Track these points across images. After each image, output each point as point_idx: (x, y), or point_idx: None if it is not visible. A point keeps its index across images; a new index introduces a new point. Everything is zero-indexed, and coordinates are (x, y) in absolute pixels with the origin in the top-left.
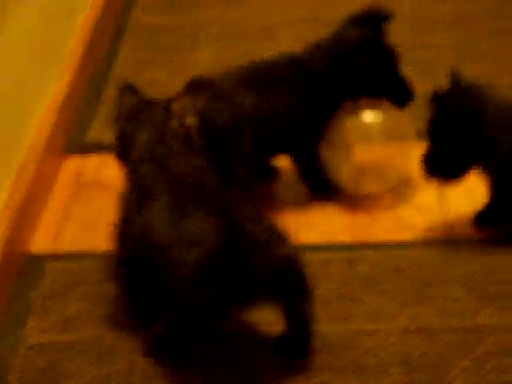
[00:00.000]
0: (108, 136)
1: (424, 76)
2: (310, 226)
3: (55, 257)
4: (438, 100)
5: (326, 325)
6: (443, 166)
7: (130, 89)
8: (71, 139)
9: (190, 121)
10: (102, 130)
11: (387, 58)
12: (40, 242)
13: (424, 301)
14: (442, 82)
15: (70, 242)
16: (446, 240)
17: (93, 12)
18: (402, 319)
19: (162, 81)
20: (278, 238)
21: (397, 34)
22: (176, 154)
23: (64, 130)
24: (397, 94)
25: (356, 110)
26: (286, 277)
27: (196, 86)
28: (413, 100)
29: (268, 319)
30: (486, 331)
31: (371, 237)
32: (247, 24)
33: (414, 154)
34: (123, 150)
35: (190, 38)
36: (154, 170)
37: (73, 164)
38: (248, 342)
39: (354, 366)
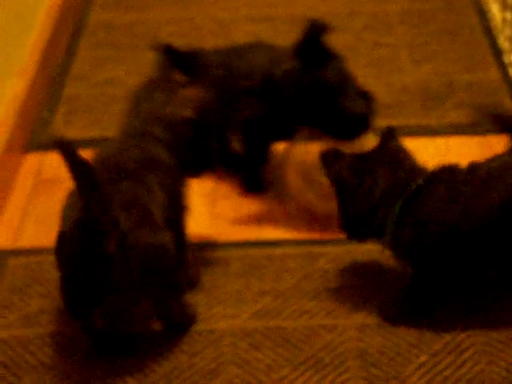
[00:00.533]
0: (68, 132)
1: (380, 74)
2: (271, 221)
3: (16, 252)
4: None
5: (285, 320)
6: None
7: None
8: (31, 137)
9: (187, 113)
10: (61, 127)
11: (322, 91)
12: (1, 239)
13: (382, 296)
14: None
15: (30, 238)
16: None
17: (52, 9)
18: (360, 314)
19: (121, 78)
20: (146, 228)
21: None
22: (145, 138)
23: (24, 128)
24: (337, 127)
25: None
26: (149, 267)
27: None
28: (360, 133)
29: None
30: (443, 327)
31: (329, 232)
32: (203, 22)
33: None
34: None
35: (147, 36)
36: (117, 146)
37: (33, 161)
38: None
39: (313, 361)
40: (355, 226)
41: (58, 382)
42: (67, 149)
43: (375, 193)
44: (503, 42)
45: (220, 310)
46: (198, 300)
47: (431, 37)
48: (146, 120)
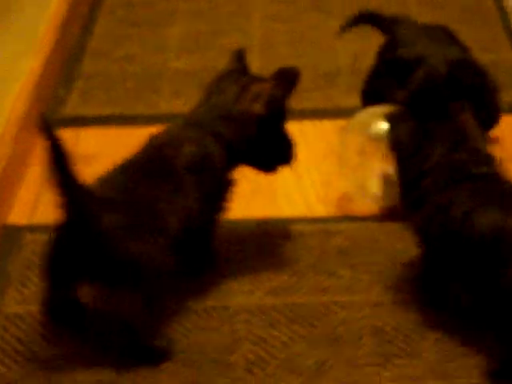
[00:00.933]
0: (84, 110)
1: None
2: (287, 199)
3: (33, 228)
4: None
5: (301, 297)
6: None
7: (238, 56)
8: (48, 114)
9: (258, 108)
10: (78, 104)
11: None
12: (18, 215)
13: (398, 274)
14: None
15: (47, 214)
16: None
17: None
18: (375, 292)
19: (139, 55)
20: (133, 233)
21: None
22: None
23: (41, 105)
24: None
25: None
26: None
27: (282, 76)
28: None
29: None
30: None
31: (346, 210)
32: (222, 1)
33: None
34: None
35: (163, 14)
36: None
37: None
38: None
39: (328, 337)
40: (408, 194)
41: (72, 357)
42: (50, 135)
43: (426, 165)
44: None
45: (236, 286)
46: (214, 276)
47: (447, 18)
48: (213, 113)
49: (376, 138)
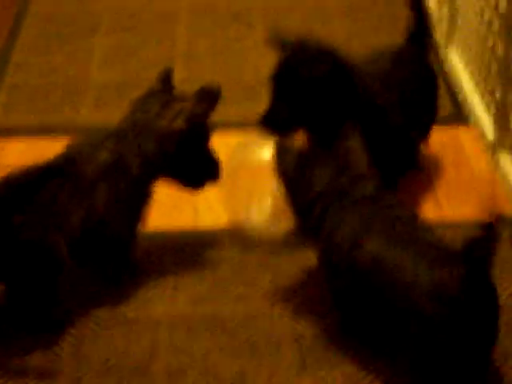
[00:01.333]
0: (8, 121)
1: None
2: (209, 210)
3: None
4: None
5: (222, 306)
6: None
7: (164, 75)
8: None
9: (178, 124)
10: (1, 115)
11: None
12: None
13: (316, 283)
14: None
15: None
16: None
17: None
18: (294, 302)
19: (59, 67)
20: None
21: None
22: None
23: None
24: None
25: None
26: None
27: (204, 94)
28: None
29: None
30: None
31: None
32: (143, 12)
33: None
34: None
35: (86, 26)
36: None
37: None
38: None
39: (248, 347)
40: (303, 222)
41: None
42: None
43: (312, 193)
44: (440, 37)
45: (157, 296)
46: (135, 285)
47: (368, 29)
48: (135, 128)
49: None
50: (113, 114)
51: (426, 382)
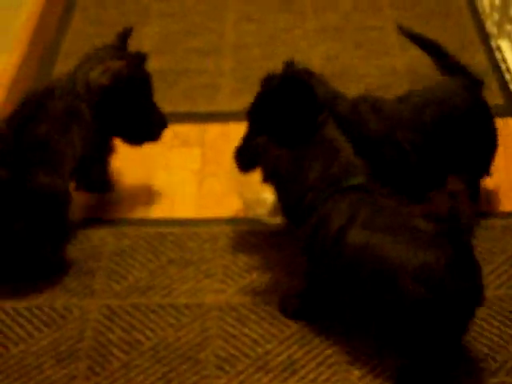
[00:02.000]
0: None
1: (368, 56)
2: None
3: None
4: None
5: (272, 295)
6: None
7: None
8: None
9: (103, 80)
10: None
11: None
12: None
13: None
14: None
15: None
16: None
17: None
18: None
19: None
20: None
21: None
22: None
23: (14, 104)
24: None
25: None
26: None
27: (134, 58)
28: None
29: None
30: None
31: None
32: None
33: None
34: None
35: (138, 13)
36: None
37: None
38: None
39: (299, 336)
40: (291, 214)
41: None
42: None
43: (304, 186)
44: (491, 27)
45: (207, 285)
46: (186, 274)
47: (419, 19)
48: (78, 81)
49: None
50: (161, 103)
51: (413, 364)
